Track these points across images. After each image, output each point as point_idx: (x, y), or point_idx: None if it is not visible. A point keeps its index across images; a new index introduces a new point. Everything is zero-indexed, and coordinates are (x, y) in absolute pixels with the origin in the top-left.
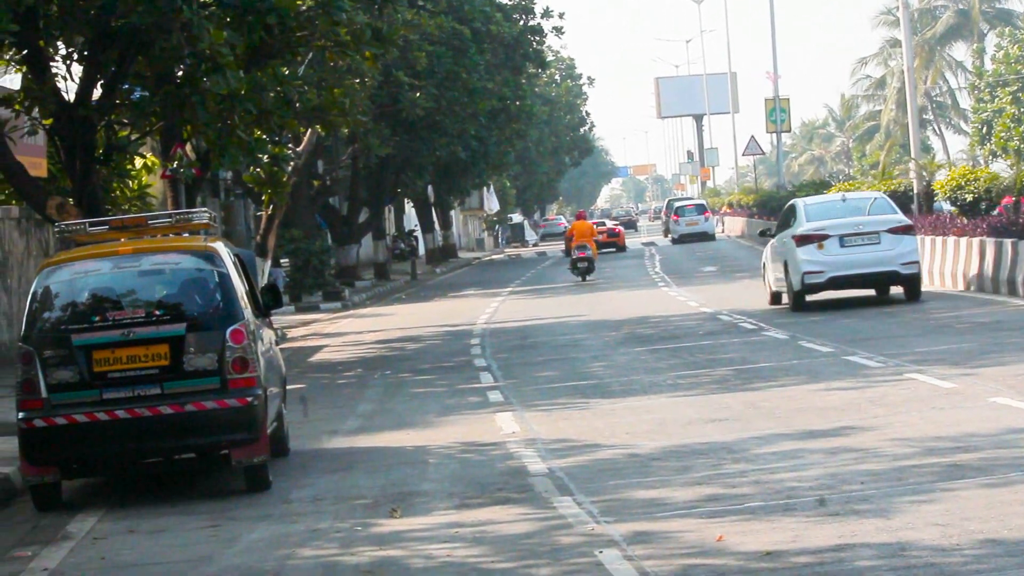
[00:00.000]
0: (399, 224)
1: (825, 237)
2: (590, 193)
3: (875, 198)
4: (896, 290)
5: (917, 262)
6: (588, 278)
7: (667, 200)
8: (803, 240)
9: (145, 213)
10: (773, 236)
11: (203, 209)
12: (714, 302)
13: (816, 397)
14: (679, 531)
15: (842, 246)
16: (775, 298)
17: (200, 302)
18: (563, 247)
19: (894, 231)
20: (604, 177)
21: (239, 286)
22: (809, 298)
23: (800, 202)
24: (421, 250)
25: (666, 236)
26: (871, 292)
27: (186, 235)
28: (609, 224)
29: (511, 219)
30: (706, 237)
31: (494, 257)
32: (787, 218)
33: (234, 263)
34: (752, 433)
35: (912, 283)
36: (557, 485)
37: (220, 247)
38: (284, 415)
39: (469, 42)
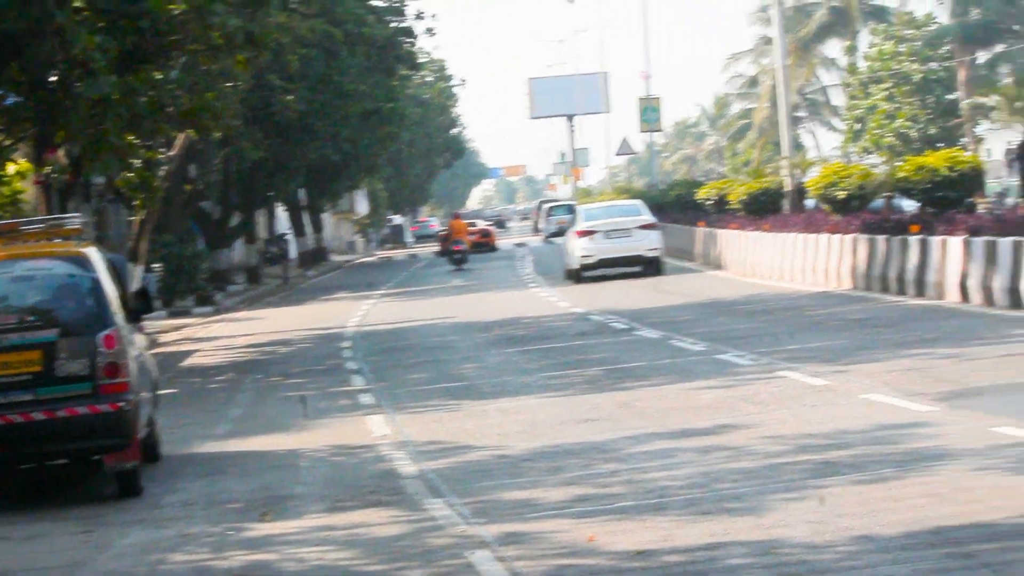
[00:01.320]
0: (271, 228)
1: (595, 232)
2: (462, 194)
3: (633, 204)
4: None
5: (657, 248)
6: (464, 267)
7: (538, 201)
8: (581, 234)
9: (17, 219)
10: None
11: (75, 215)
12: (584, 302)
13: (688, 396)
14: (550, 531)
15: (607, 238)
16: (568, 274)
17: (72, 308)
18: (437, 249)
19: (642, 227)
20: (475, 178)
21: (111, 292)
22: (586, 274)
23: (581, 208)
24: (293, 253)
25: (536, 235)
26: (630, 269)
27: (58, 241)
28: (481, 224)
29: (392, 220)
30: None
31: (366, 260)
32: (574, 219)
33: (106, 269)
34: (624, 433)
35: (653, 263)
36: (428, 487)
37: (92, 253)
38: (156, 420)
39: (341, 45)
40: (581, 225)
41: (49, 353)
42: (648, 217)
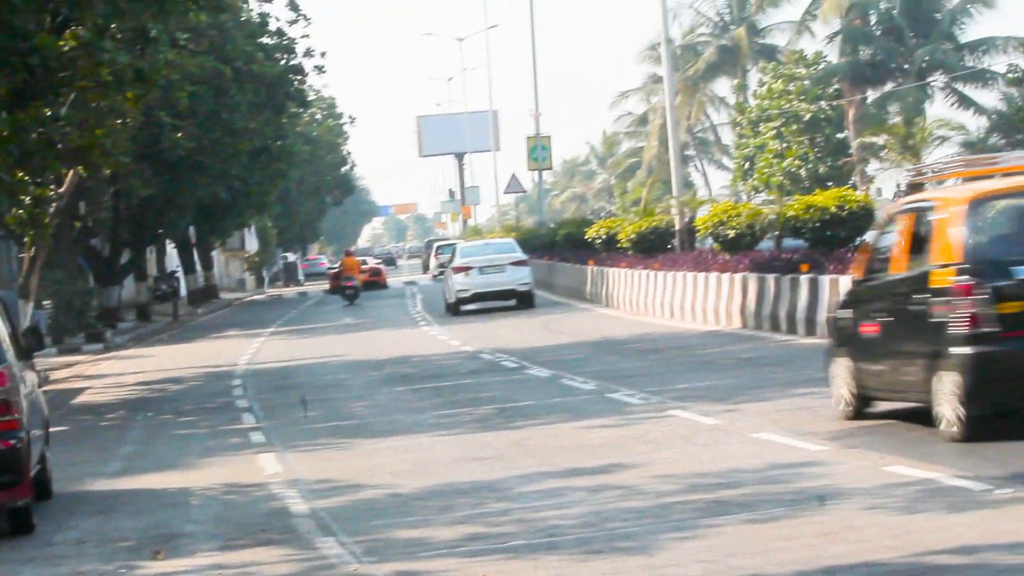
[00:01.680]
0: (161, 265)
1: (470, 268)
2: (352, 232)
3: (506, 242)
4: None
5: (528, 283)
6: (356, 303)
7: (427, 240)
8: (458, 270)
9: None
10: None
11: None
12: (475, 341)
13: (579, 435)
14: (442, 571)
15: (481, 273)
16: (447, 307)
17: None
18: (327, 286)
19: (514, 263)
20: (365, 216)
21: (1, 329)
22: (463, 307)
23: (458, 244)
24: (183, 291)
25: (425, 272)
26: (503, 303)
27: None
28: (372, 263)
29: (286, 257)
30: None
31: (256, 297)
32: (452, 255)
33: None
34: (515, 471)
35: (525, 296)
36: (320, 526)
37: None
38: (47, 457)
39: (231, 82)
40: (458, 261)
41: None
42: (520, 255)
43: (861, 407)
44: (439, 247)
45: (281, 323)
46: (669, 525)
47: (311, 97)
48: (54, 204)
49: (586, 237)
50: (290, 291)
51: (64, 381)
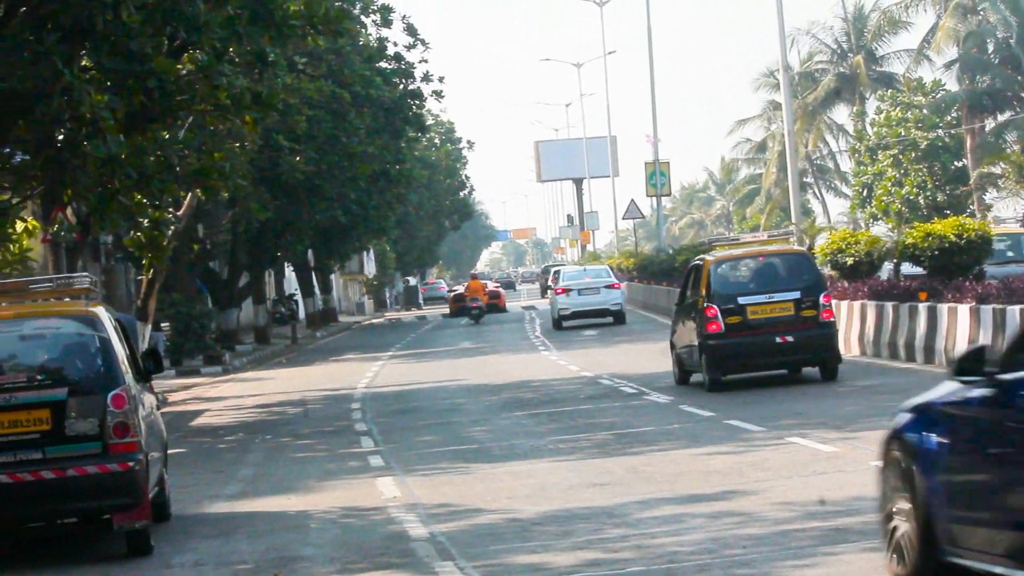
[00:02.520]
0: (279, 288)
1: (570, 289)
2: (470, 257)
3: (602, 268)
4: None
5: (619, 303)
6: (481, 321)
7: (544, 265)
8: (560, 291)
9: (26, 278)
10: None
11: (84, 274)
12: (594, 366)
13: (697, 461)
14: None
15: (579, 295)
16: (553, 323)
17: (81, 367)
18: (446, 311)
19: (607, 286)
20: (484, 241)
21: (120, 351)
22: (564, 323)
23: (561, 269)
24: (301, 314)
25: (544, 297)
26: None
27: (67, 300)
28: (491, 286)
29: (408, 281)
30: None
31: (374, 321)
32: (557, 278)
33: (115, 328)
34: (633, 497)
35: (617, 315)
36: (439, 550)
37: (101, 312)
38: (166, 479)
39: (349, 106)
40: (560, 284)
41: (58, 412)
42: (612, 279)
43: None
44: (556, 272)
45: (400, 347)
46: (788, 553)
47: (429, 122)
48: (172, 227)
49: None
50: (409, 315)
51: (182, 403)
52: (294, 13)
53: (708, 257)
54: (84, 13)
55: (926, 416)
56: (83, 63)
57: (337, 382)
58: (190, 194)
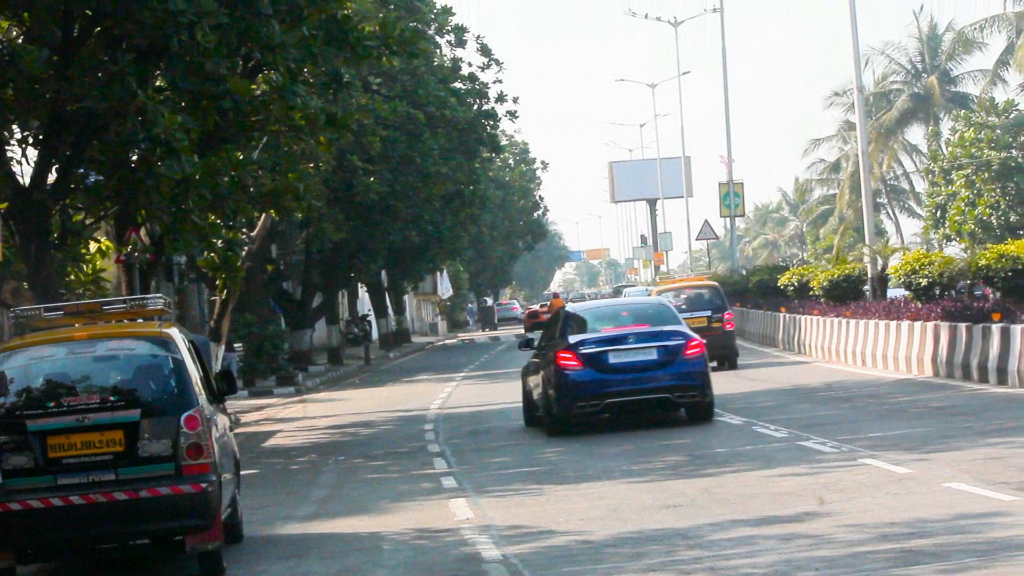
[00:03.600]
0: (353, 308)
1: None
2: (543, 277)
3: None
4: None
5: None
6: None
7: (616, 285)
8: (567, 360)
9: (99, 298)
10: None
11: (158, 295)
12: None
13: (770, 483)
14: None
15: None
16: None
17: (155, 388)
18: (521, 330)
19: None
20: (557, 261)
21: (193, 372)
22: None
23: (625, 290)
24: (375, 334)
25: None
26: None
27: (141, 321)
28: None
29: (485, 301)
30: None
31: (447, 342)
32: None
33: (188, 349)
34: (706, 519)
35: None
36: (511, 572)
37: (174, 333)
38: (238, 500)
39: (423, 126)
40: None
41: (131, 433)
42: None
43: None
44: (628, 293)
45: (473, 368)
46: (860, 575)
47: (503, 142)
48: (246, 248)
49: (778, 284)
50: (482, 335)
51: (255, 424)
52: (369, 34)
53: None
54: (159, 34)
55: None
56: (157, 84)
57: (410, 403)
58: (264, 215)
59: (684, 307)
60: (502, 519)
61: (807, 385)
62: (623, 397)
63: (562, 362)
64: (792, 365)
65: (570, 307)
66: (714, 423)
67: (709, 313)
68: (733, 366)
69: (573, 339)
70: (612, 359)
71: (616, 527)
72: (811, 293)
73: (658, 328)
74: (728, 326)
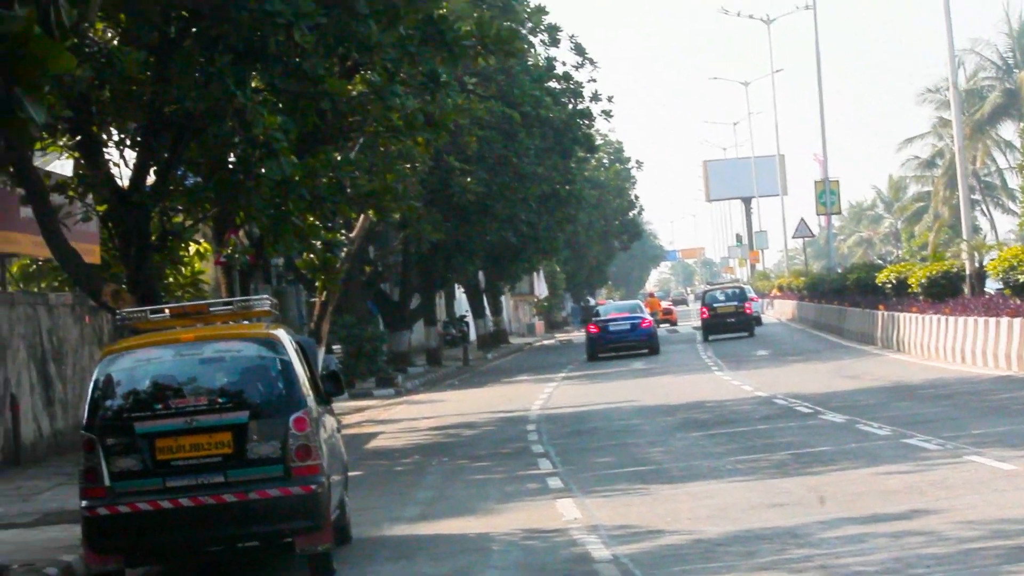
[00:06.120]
0: (450, 309)
1: (714, 304)
2: (638, 277)
3: (741, 286)
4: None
5: (757, 312)
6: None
7: (705, 289)
8: (704, 307)
9: (198, 300)
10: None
11: (265, 296)
12: (768, 386)
13: (877, 480)
14: None
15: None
16: (702, 334)
17: (262, 389)
18: None
19: (748, 299)
20: (653, 260)
21: (301, 373)
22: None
23: (705, 290)
24: (472, 335)
25: None
26: None
27: (247, 322)
28: (665, 304)
29: (588, 300)
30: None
31: (545, 342)
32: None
33: (296, 350)
34: (815, 517)
35: (754, 322)
36: (622, 571)
37: (282, 334)
38: (346, 502)
39: (519, 127)
40: (703, 301)
41: (240, 435)
42: (750, 293)
43: None
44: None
45: (572, 368)
46: (972, 572)
47: (598, 142)
48: (345, 249)
49: (876, 282)
50: (579, 336)
51: (356, 426)
52: (466, 34)
53: None
54: (256, 35)
55: None
56: (255, 84)
57: (511, 404)
58: (362, 216)
59: (722, 298)
60: (610, 519)
61: (908, 382)
62: (616, 345)
63: (590, 329)
64: (891, 363)
65: (600, 305)
66: (818, 421)
67: (736, 303)
68: (752, 333)
69: (595, 319)
70: (611, 328)
71: (725, 526)
72: (909, 290)
73: (631, 313)
74: (748, 310)
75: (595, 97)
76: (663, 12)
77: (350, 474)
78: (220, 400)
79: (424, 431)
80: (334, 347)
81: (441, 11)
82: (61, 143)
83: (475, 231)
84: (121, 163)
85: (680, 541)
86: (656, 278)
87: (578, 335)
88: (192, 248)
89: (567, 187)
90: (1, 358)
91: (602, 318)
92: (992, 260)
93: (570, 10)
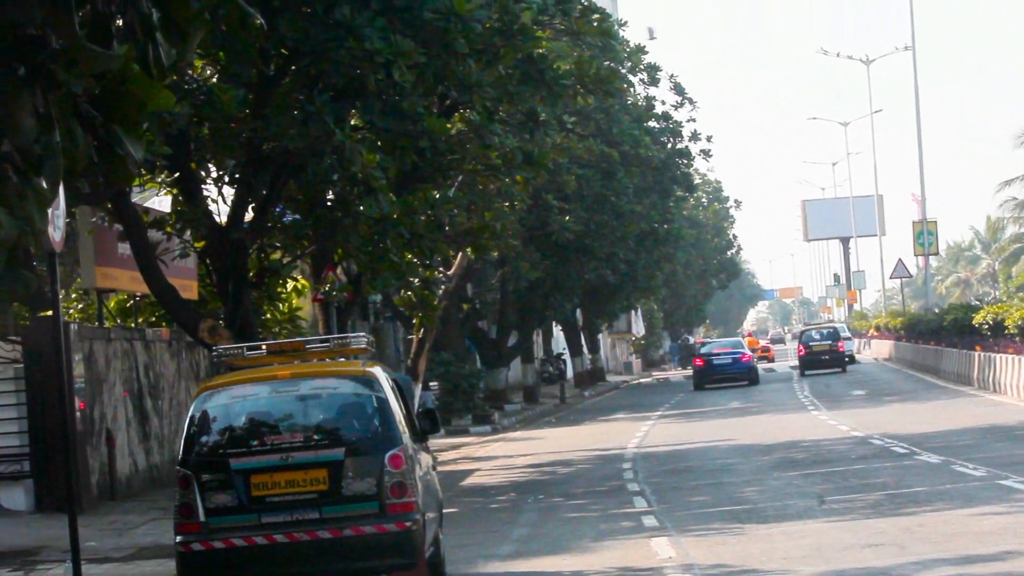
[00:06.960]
0: (547, 347)
1: (810, 344)
2: (736, 315)
3: (835, 326)
4: None
5: (848, 352)
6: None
7: (802, 329)
8: (800, 346)
9: (295, 337)
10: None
11: (361, 334)
12: (864, 426)
13: (972, 521)
14: None
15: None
16: (799, 372)
17: (358, 427)
18: None
19: (839, 339)
20: (750, 300)
21: (397, 411)
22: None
23: (801, 330)
24: (569, 373)
25: None
26: None
27: (343, 360)
28: (763, 342)
29: (687, 339)
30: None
31: (642, 380)
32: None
33: (392, 388)
34: (909, 558)
35: (848, 360)
36: None
37: (378, 372)
38: (441, 539)
39: (618, 165)
40: (800, 340)
41: (335, 472)
42: (843, 333)
43: None
44: (803, 332)
45: (668, 407)
46: None
47: (697, 181)
48: (443, 286)
49: (973, 322)
50: (677, 374)
51: (452, 463)
52: (565, 73)
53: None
54: (355, 73)
55: None
56: (354, 123)
57: (607, 442)
58: (460, 254)
59: (818, 337)
60: (704, 558)
61: (1004, 424)
62: (719, 376)
63: (697, 362)
64: (988, 404)
65: (701, 344)
66: (913, 461)
67: (830, 342)
68: (844, 369)
69: (701, 354)
70: (715, 362)
71: (820, 566)
72: (1006, 332)
73: (733, 349)
74: (840, 348)
75: (694, 136)
76: (763, 52)
77: (445, 511)
78: (316, 437)
79: (520, 468)
80: (431, 384)
81: (540, 50)
82: (160, 180)
83: (573, 269)
84: (219, 200)
85: None
86: (754, 317)
87: (675, 374)
88: (290, 285)
89: (665, 226)
90: (97, 393)
91: (706, 353)
92: None
93: (670, 50)
